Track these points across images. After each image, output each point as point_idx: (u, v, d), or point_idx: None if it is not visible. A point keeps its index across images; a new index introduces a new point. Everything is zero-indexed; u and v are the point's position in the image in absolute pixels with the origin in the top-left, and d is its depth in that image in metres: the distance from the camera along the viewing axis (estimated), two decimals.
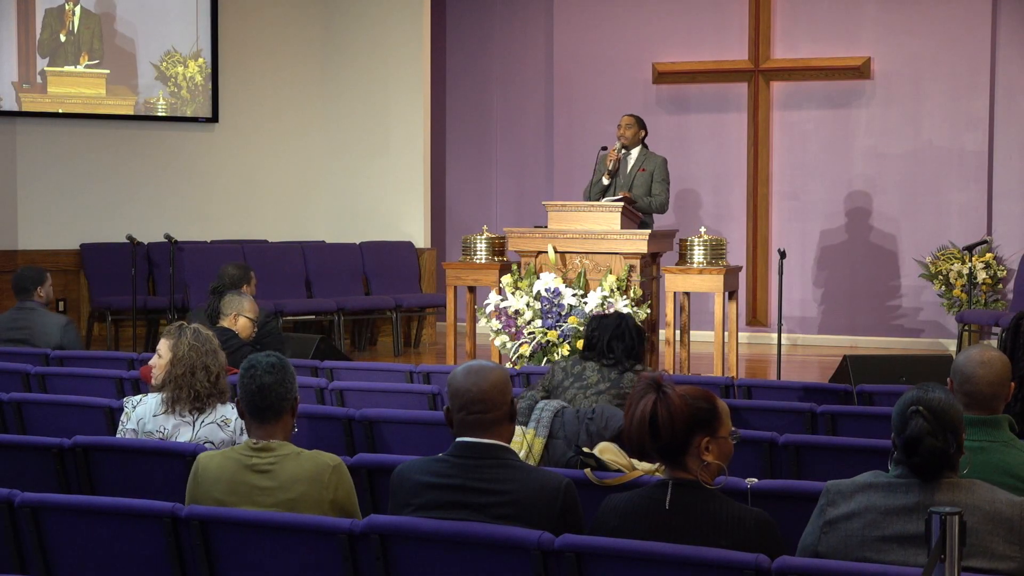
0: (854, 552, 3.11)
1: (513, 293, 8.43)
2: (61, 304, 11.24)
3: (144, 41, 11.78)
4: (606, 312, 6.93)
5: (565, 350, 8.06)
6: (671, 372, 8.56)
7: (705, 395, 3.26)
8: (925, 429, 3.12)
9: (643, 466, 3.96)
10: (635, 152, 9.01)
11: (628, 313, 5.76)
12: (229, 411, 4.47)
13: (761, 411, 5.45)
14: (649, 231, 8.44)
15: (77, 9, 11.41)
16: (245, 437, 3.90)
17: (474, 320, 9.04)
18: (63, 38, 11.36)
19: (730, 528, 3.14)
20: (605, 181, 8.91)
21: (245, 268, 7.24)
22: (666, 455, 3.23)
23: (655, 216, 9.12)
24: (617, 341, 5.35)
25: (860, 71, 11.79)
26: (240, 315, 6.39)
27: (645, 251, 8.38)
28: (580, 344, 6.41)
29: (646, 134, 9.07)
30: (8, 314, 7.52)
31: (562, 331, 8.10)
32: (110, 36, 11.67)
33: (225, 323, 6.38)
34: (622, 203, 8.48)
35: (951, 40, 11.60)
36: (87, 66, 11.55)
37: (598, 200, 8.80)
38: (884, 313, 11.94)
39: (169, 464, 4.28)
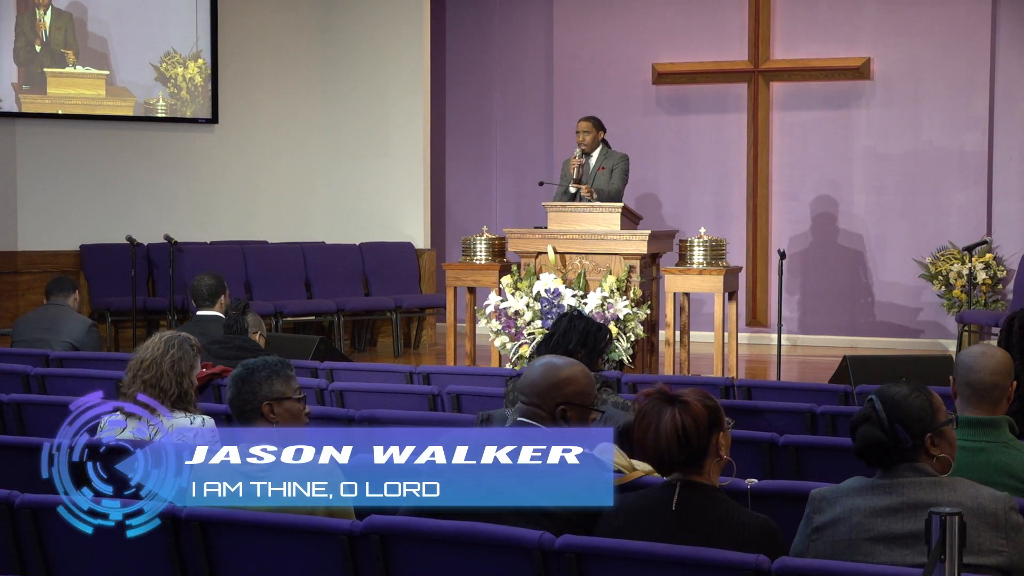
0: (843, 556, 3.11)
1: (513, 294, 8.43)
2: None
3: (141, 42, 11.77)
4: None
5: None
6: (671, 373, 8.57)
7: (706, 393, 3.29)
8: (865, 415, 3.15)
9: (643, 467, 3.95)
10: (596, 154, 8.98)
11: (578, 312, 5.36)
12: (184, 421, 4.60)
13: (761, 411, 5.44)
14: (649, 232, 8.44)
15: (48, 13, 11.30)
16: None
17: (474, 321, 9.04)
18: (37, 48, 11.30)
19: (734, 531, 3.14)
20: (572, 189, 8.86)
21: (219, 277, 7.53)
22: (692, 462, 3.22)
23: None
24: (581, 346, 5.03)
25: (860, 71, 11.79)
26: (262, 334, 6.85)
27: (645, 252, 8.38)
28: None
29: (605, 134, 9.06)
30: (38, 310, 8.09)
31: None
32: (105, 37, 11.66)
33: (254, 338, 6.79)
34: (618, 204, 8.50)
35: (951, 40, 11.60)
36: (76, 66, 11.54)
37: None
38: (884, 313, 11.94)
39: None
